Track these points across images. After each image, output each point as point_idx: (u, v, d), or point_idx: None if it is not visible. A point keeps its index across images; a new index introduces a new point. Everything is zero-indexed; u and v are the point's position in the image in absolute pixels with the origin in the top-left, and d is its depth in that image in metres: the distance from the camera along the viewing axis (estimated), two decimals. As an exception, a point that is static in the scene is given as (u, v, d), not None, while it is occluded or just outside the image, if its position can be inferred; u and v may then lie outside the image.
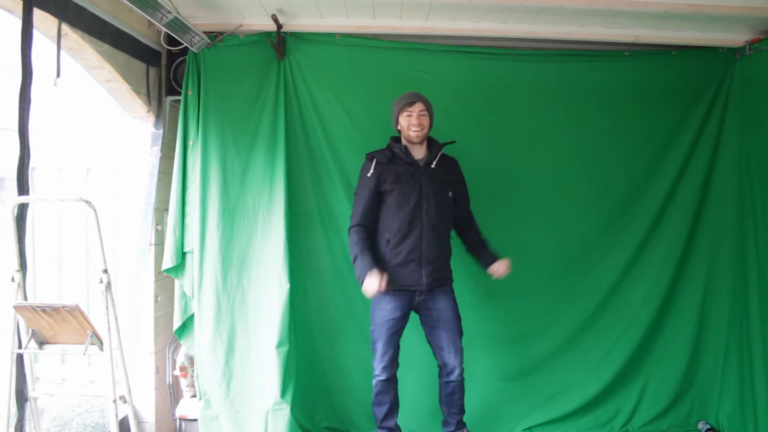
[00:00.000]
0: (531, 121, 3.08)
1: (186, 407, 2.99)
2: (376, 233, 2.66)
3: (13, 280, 2.07)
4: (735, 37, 3.02)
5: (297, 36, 2.98)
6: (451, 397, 2.72)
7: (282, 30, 2.90)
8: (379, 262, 2.56)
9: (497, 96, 3.05)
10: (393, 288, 2.56)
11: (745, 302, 3.02)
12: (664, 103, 3.10)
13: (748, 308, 2.99)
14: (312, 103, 2.99)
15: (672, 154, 3.11)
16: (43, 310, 2.03)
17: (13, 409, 2.11)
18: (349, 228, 2.66)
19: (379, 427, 2.75)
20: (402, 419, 2.79)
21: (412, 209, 2.58)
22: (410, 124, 2.60)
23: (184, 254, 2.93)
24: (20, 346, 2.12)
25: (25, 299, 2.10)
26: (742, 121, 3.05)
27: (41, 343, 2.15)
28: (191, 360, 3.00)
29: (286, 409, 2.80)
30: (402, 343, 2.70)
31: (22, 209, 2.09)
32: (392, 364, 2.67)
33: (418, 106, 2.60)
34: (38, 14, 2.04)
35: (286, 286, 2.85)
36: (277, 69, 2.96)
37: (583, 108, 3.09)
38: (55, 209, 3.43)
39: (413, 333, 2.80)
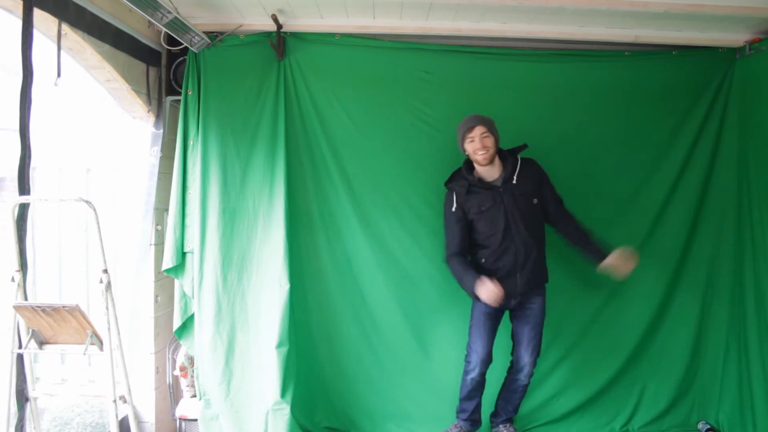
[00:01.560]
0: (530, 121, 3.08)
1: (186, 407, 2.99)
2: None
3: (13, 280, 2.07)
4: (735, 37, 3.02)
5: (297, 36, 2.98)
6: (513, 395, 2.86)
7: (282, 30, 2.90)
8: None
9: (497, 96, 3.05)
10: None
11: (744, 302, 3.02)
12: (664, 103, 3.10)
13: (746, 308, 2.99)
14: (312, 103, 2.99)
15: (672, 153, 3.11)
16: (43, 310, 2.03)
17: (14, 409, 2.11)
18: (446, 259, 2.74)
19: (466, 420, 2.87)
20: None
21: (502, 232, 2.64)
22: (475, 149, 2.62)
23: (184, 254, 2.93)
24: (20, 346, 2.12)
25: (25, 299, 2.10)
26: (742, 121, 3.05)
27: (41, 343, 2.15)
28: (191, 360, 3.01)
29: (286, 409, 2.81)
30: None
31: (23, 209, 2.09)
32: (486, 361, 2.75)
33: (479, 130, 2.60)
34: (38, 14, 2.04)
35: (286, 286, 2.85)
36: (277, 69, 2.96)
37: (582, 108, 3.09)
38: (55, 209, 3.43)
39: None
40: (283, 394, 2.81)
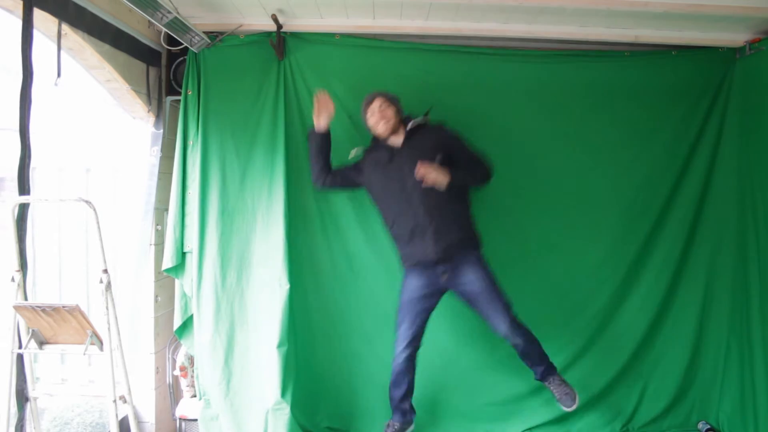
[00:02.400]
0: (531, 121, 3.08)
1: (186, 407, 2.99)
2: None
3: (13, 280, 2.07)
4: (735, 37, 3.02)
5: (297, 36, 2.98)
6: (524, 357, 2.69)
7: (282, 30, 2.90)
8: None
9: (497, 96, 3.05)
10: (411, 264, 2.67)
11: (745, 302, 3.02)
12: (664, 103, 3.09)
13: (749, 308, 2.98)
14: (312, 103, 2.99)
15: (672, 154, 3.11)
16: (43, 310, 2.03)
17: (14, 409, 2.11)
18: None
19: (395, 408, 2.80)
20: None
21: (397, 191, 2.63)
22: (375, 121, 2.66)
23: (184, 254, 2.93)
24: (20, 346, 2.12)
25: (25, 299, 2.10)
26: (743, 121, 3.05)
27: (41, 343, 2.15)
28: (191, 360, 3.01)
29: (286, 409, 2.80)
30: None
31: (23, 209, 2.09)
32: (411, 344, 2.70)
33: (377, 102, 2.66)
34: (38, 14, 2.04)
35: (286, 286, 2.85)
36: (277, 69, 2.96)
37: (582, 108, 3.09)
38: (55, 209, 3.43)
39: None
40: (283, 394, 2.81)
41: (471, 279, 2.62)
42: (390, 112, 2.66)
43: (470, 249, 2.66)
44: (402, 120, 2.71)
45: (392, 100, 2.69)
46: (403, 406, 2.80)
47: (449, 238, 2.59)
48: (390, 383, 2.81)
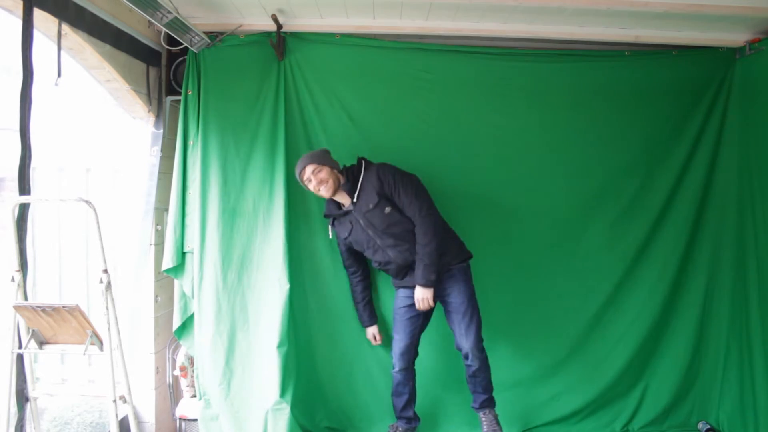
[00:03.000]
0: (531, 121, 3.08)
1: (186, 407, 2.99)
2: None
3: (13, 280, 2.07)
4: (735, 37, 3.02)
5: (297, 36, 2.98)
6: (473, 379, 2.80)
7: (282, 30, 2.90)
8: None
9: (497, 96, 3.05)
10: (398, 286, 2.84)
11: (745, 303, 3.02)
12: (665, 103, 3.09)
13: (749, 309, 2.99)
14: (312, 103, 2.99)
15: (672, 154, 3.11)
16: (43, 310, 2.03)
17: (14, 409, 2.11)
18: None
19: (399, 417, 2.88)
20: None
21: (369, 250, 2.74)
22: (315, 188, 2.67)
23: (184, 254, 2.93)
24: (20, 346, 2.12)
25: (25, 299, 2.10)
26: (743, 121, 3.05)
27: (41, 343, 2.15)
28: (191, 360, 3.00)
29: (286, 409, 2.80)
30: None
31: (23, 209, 2.09)
32: (405, 354, 2.79)
33: (308, 169, 2.64)
34: (38, 14, 2.04)
35: (286, 286, 2.85)
36: (277, 69, 2.96)
37: (583, 108, 3.09)
38: (55, 209, 3.43)
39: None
40: (283, 394, 2.81)
41: (457, 291, 2.74)
42: (324, 174, 2.63)
43: (453, 264, 2.74)
44: (339, 173, 2.71)
45: (321, 160, 2.65)
46: (406, 414, 2.87)
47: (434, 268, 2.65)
48: (391, 393, 2.88)
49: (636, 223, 3.12)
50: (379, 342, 2.97)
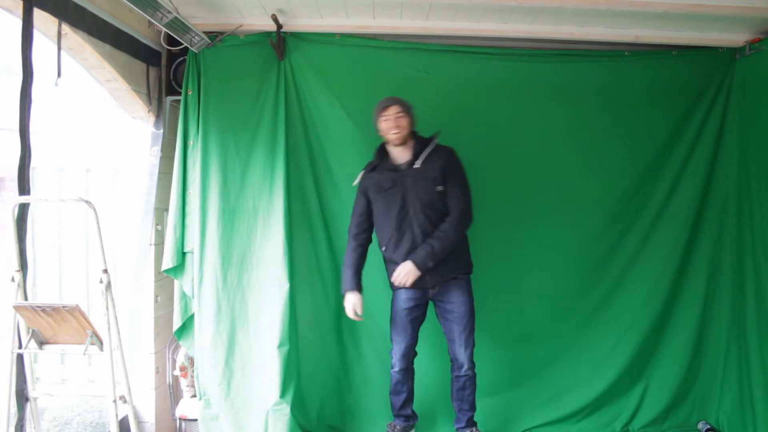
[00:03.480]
0: (531, 121, 3.08)
1: (186, 407, 2.99)
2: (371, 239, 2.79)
3: (13, 280, 2.07)
4: (735, 37, 3.02)
5: (297, 36, 2.98)
6: (462, 392, 2.77)
7: (282, 30, 2.90)
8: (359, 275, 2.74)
9: (497, 96, 3.05)
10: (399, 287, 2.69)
11: (744, 303, 3.02)
12: (664, 104, 3.09)
13: (746, 308, 2.99)
14: (312, 103, 2.99)
15: (672, 154, 3.11)
16: (43, 310, 2.03)
17: (13, 409, 2.11)
18: (348, 239, 2.79)
19: (396, 416, 2.87)
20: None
21: (397, 215, 2.62)
22: (388, 128, 2.62)
23: (184, 254, 2.93)
24: (20, 346, 2.12)
25: (25, 299, 2.10)
26: (742, 121, 3.05)
27: (41, 343, 2.15)
28: (191, 360, 3.00)
29: (286, 409, 2.80)
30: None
31: (23, 209, 2.09)
32: (407, 355, 2.76)
33: (394, 109, 2.62)
34: (38, 14, 2.04)
35: (286, 285, 2.85)
36: (277, 69, 2.96)
37: (582, 108, 3.09)
38: (55, 209, 3.43)
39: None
40: (283, 394, 2.81)
41: (457, 301, 2.70)
42: (404, 122, 2.62)
43: (461, 273, 2.71)
44: (412, 132, 2.69)
45: (408, 109, 2.65)
46: (404, 412, 2.86)
47: (445, 269, 2.64)
48: (389, 391, 2.86)
49: (635, 224, 3.12)
50: (358, 318, 2.71)
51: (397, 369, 2.79)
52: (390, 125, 2.61)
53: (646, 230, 3.13)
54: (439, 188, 2.62)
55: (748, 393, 2.95)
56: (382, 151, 2.72)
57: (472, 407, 2.81)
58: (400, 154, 2.69)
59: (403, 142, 2.65)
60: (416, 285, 2.63)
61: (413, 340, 2.78)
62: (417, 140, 2.70)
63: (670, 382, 3.15)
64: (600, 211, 3.12)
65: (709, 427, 3.08)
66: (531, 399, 3.12)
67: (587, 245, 3.13)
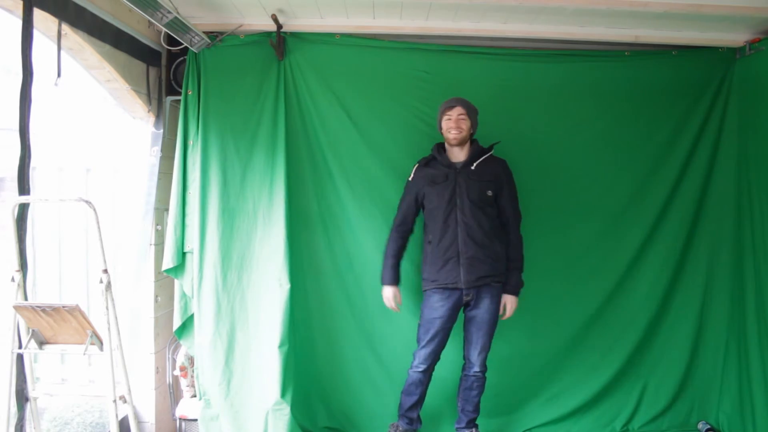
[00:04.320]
0: (530, 121, 3.08)
1: (186, 407, 2.99)
2: (423, 233, 2.83)
3: (13, 280, 2.07)
4: (735, 37, 3.02)
5: (297, 36, 2.98)
6: (469, 392, 2.81)
7: (282, 30, 2.90)
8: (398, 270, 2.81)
9: (497, 96, 3.05)
10: (436, 287, 2.71)
11: (743, 303, 3.02)
12: (664, 103, 3.10)
13: (745, 308, 2.99)
14: (312, 103, 2.99)
15: (672, 154, 3.11)
16: (43, 310, 2.03)
17: (13, 409, 2.11)
18: (390, 230, 2.84)
19: (402, 416, 2.85)
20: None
21: (445, 209, 2.68)
22: (449, 127, 2.69)
23: (184, 254, 2.93)
24: (20, 346, 2.12)
25: (25, 299, 2.10)
26: (742, 121, 3.05)
27: (41, 343, 2.15)
28: (191, 360, 3.01)
29: (286, 409, 2.81)
30: None
31: (23, 209, 2.09)
32: (432, 359, 2.77)
33: (458, 110, 2.68)
34: (38, 14, 2.04)
35: (287, 285, 2.85)
36: (277, 69, 2.96)
37: (582, 108, 3.09)
38: (55, 209, 3.43)
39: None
40: (283, 394, 2.81)
41: (485, 308, 2.73)
42: (466, 125, 2.69)
43: (495, 281, 2.74)
44: (470, 136, 2.76)
45: (472, 114, 2.72)
46: (411, 414, 2.85)
47: (481, 269, 2.67)
48: (402, 390, 2.85)
49: (634, 223, 3.12)
50: (397, 308, 2.81)
51: (421, 369, 2.77)
52: (451, 125, 2.68)
53: (645, 230, 3.12)
54: (490, 193, 2.70)
55: (748, 393, 2.95)
56: (439, 149, 2.78)
57: (476, 410, 2.84)
58: (457, 154, 2.74)
59: (461, 144, 2.71)
60: (450, 286, 2.68)
61: (442, 346, 2.79)
62: (475, 145, 2.77)
63: (669, 382, 3.16)
64: (600, 211, 3.12)
65: (709, 427, 3.08)
66: (531, 399, 3.12)
67: (587, 245, 3.13)
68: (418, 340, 2.79)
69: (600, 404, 3.15)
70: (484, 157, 2.74)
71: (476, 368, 2.78)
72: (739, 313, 3.06)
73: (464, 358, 2.84)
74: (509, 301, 2.77)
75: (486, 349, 2.78)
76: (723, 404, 3.14)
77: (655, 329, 3.16)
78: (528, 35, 3.00)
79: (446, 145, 2.77)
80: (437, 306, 2.71)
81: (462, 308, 2.79)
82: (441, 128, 2.76)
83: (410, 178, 2.80)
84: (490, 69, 3.05)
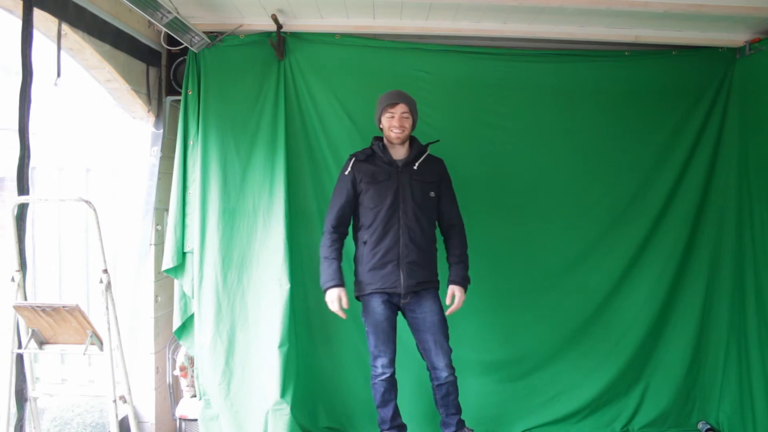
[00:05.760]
0: (530, 121, 3.08)
1: (186, 407, 2.99)
2: (352, 234, 2.70)
3: (13, 280, 2.07)
4: (735, 37, 3.02)
5: (297, 36, 2.98)
6: (447, 398, 2.66)
7: (282, 30, 2.90)
8: (341, 270, 2.61)
9: (497, 96, 3.05)
10: (373, 291, 2.57)
11: (743, 303, 3.02)
12: (664, 104, 3.10)
13: (746, 308, 2.99)
14: (312, 103, 2.99)
15: (672, 154, 3.11)
16: (43, 310, 2.03)
17: (13, 409, 2.11)
18: (323, 232, 2.66)
19: (389, 429, 2.69)
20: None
21: (387, 209, 2.55)
22: (391, 125, 2.58)
23: (184, 254, 2.93)
24: (20, 346, 2.12)
25: (25, 299, 2.10)
26: (742, 121, 3.05)
27: (41, 343, 2.15)
28: (191, 360, 3.01)
29: (286, 409, 2.80)
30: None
31: (22, 209, 2.09)
32: (393, 360, 2.64)
33: (401, 108, 2.57)
34: (38, 14, 2.04)
35: (287, 285, 2.85)
36: (277, 69, 2.96)
37: (582, 108, 3.09)
38: (55, 209, 3.43)
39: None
40: (283, 394, 2.81)
41: (429, 310, 2.61)
42: (408, 123, 2.60)
43: (433, 283, 2.65)
44: (410, 134, 2.67)
45: (413, 110, 2.62)
46: (396, 423, 2.69)
47: (420, 275, 2.57)
48: (378, 404, 2.67)
49: (635, 223, 3.12)
50: (344, 314, 2.57)
51: (387, 376, 2.61)
52: (394, 123, 2.57)
53: (646, 230, 3.12)
54: (432, 194, 2.62)
55: (748, 393, 2.95)
56: (379, 145, 2.66)
57: (459, 410, 2.70)
58: (396, 151, 2.65)
59: (402, 142, 2.63)
60: (389, 290, 2.55)
61: (395, 346, 2.64)
62: (415, 143, 2.69)
63: (670, 382, 3.15)
64: (599, 211, 3.12)
65: (709, 427, 3.08)
66: (531, 399, 3.12)
67: (587, 245, 3.13)
68: (373, 349, 2.61)
69: (600, 404, 3.14)
70: (425, 156, 2.65)
71: (446, 373, 2.61)
72: (739, 313, 3.06)
73: (428, 368, 2.66)
74: (458, 292, 2.59)
75: (448, 351, 2.62)
76: (723, 404, 3.14)
77: (656, 330, 3.15)
78: (528, 35, 3.00)
79: (386, 141, 2.65)
80: (379, 310, 2.57)
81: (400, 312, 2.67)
82: (380, 124, 2.64)
83: (346, 172, 2.61)
84: (491, 69, 3.05)
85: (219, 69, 2.92)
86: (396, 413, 2.68)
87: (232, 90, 2.93)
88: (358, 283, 2.65)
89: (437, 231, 2.72)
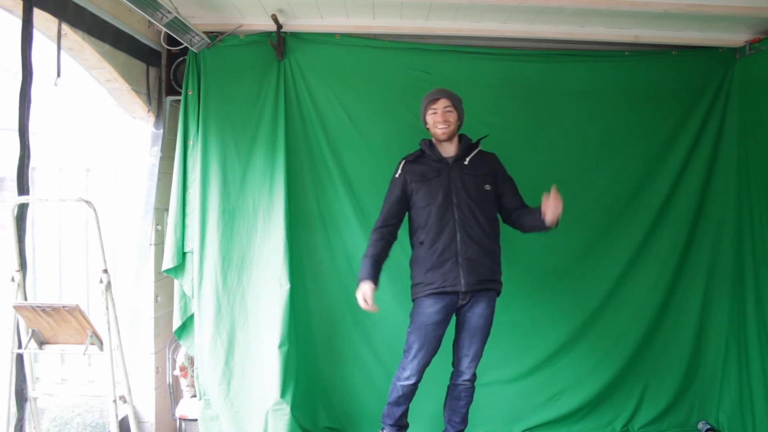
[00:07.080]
0: (530, 121, 3.08)
1: (186, 407, 2.99)
2: (409, 241, 2.62)
3: (13, 280, 2.07)
4: (735, 37, 3.02)
5: (297, 36, 2.98)
6: (456, 402, 2.63)
7: (282, 30, 2.90)
8: (378, 272, 2.50)
9: (497, 96, 3.05)
10: (432, 291, 2.46)
11: (743, 303, 3.02)
12: (664, 103, 3.10)
13: (745, 308, 2.99)
14: (312, 103, 2.99)
15: (672, 154, 3.11)
16: (43, 310, 2.03)
17: (13, 409, 2.11)
18: (372, 231, 2.60)
19: (392, 425, 2.67)
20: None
21: (440, 206, 2.47)
22: (435, 121, 2.53)
23: (184, 254, 2.93)
24: (20, 346, 2.12)
25: (25, 299, 2.10)
26: (742, 121, 3.05)
27: (41, 343, 2.15)
28: (191, 360, 3.01)
29: (286, 409, 2.81)
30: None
31: (22, 209, 2.09)
32: (423, 371, 2.56)
33: (443, 102, 2.53)
34: (38, 14, 2.04)
35: (287, 285, 2.85)
36: (277, 69, 2.96)
37: (582, 108, 3.09)
38: (55, 209, 3.43)
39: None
40: (283, 394, 2.81)
41: (480, 313, 2.52)
42: (452, 117, 2.53)
43: (493, 284, 2.54)
44: (458, 129, 2.60)
45: (457, 104, 2.56)
46: (401, 422, 2.68)
47: (481, 272, 2.47)
48: (390, 402, 2.65)
49: (635, 223, 3.12)
50: (370, 308, 2.42)
51: (412, 382, 2.55)
52: (438, 119, 2.52)
53: (645, 230, 3.12)
54: (488, 187, 2.54)
55: (748, 393, 2.95)
56: (427, 144, 2.60)
57: (464, 421, 2.64)
58: (445, 149, 2.58)
59: (449, 138, 2.55)
60: (449, 289, 2.44)
61: (434, 355, 2.56)
62: (464, 139, 2.63)
63: (669, 382, 3.16)
64: (599, 211, 3.12)
65: (709, 427, 3.08)
66: (531, 399, 3.12)
67: (586, 245, 3.13)
68: (407, 351, 2.55)
69: (600, 404, 3.15)
70: (476, 151, 2.60)
71: (466, 377, 2.57)
72: (739, 313, 3.06)
73: (453, 365, 2.63)
74: (547, 203, 2.40)
75: (478, 357, 2.57)
76: (723, 404, 3.14)
77: (656, 329, 3.16)
78: (528, 35, 3.00)
79: (434, 140, 2.61)
80: (430, 312, 2.47)
81: (454, 313, 2.58)
82: (426, 123, 2.60)
83: (396, 175, 2.58)
84: (491, 69, 3.05)
85: (219, 69, 2.92)
86: (404, 415, 2.66)
87: (232, 90, 2.93)
88: (415, 286, 2.55)
89: (501, 229, 2.63)
